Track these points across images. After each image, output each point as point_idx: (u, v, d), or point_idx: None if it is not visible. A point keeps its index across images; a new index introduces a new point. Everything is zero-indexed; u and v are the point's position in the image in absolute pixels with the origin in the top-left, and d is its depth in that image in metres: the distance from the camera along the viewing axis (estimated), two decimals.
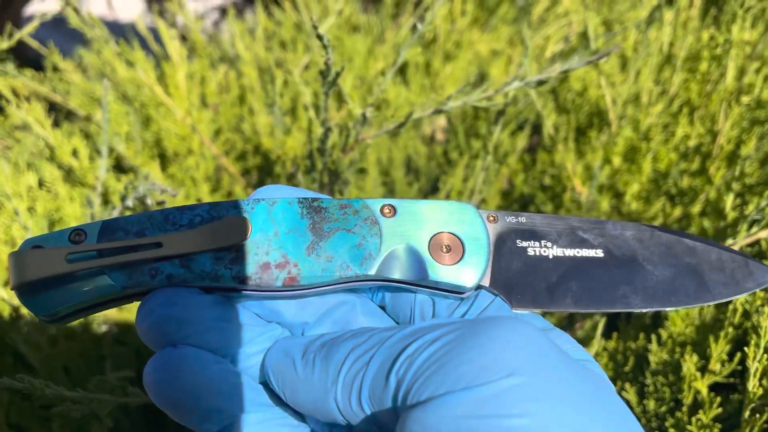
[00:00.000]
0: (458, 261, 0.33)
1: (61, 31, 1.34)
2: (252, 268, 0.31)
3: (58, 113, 1.09)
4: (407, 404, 0.25)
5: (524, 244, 0.35)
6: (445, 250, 0.33)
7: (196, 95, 1.02)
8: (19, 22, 2.25)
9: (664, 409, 0.67)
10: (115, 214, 0.68)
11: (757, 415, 0.54)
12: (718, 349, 0.62)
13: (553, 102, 1.14)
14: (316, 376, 0.29)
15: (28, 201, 0.90)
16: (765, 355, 0.53)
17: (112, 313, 0.92)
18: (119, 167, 1.01)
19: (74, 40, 1.46)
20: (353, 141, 0.72)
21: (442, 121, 1.35)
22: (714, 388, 0.66)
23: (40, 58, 1.21)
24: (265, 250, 0.32)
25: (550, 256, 0.35)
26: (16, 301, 0.71)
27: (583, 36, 1.21)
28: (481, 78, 1.44)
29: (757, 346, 0.53)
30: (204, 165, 1.03)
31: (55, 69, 1.15)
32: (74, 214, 0.96)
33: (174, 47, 1.06)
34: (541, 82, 0.57)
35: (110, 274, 0.31)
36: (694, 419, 0.60)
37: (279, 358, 0.31)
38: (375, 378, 0.27)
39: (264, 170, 1.02)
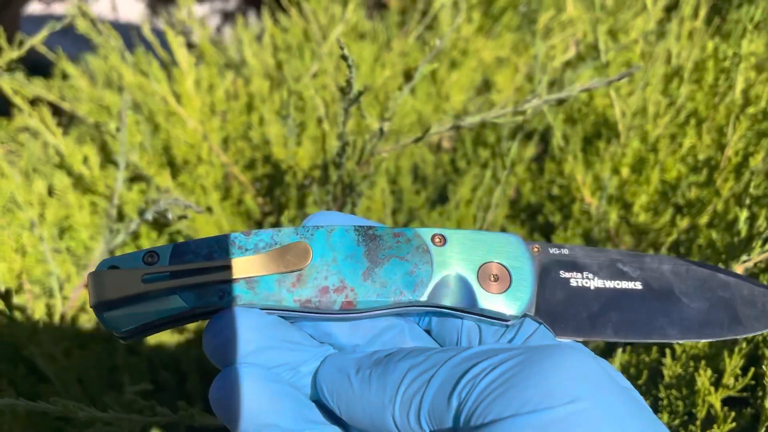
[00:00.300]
0: (505, 290, 0.34)
1: (67, 36, 1.34)
2: (312, 291, 0.33)
3: (61, 118, 1.09)
4: (470, 425, 0.26)
5: (567, 275, 0.36)
6: (492, 279, 0.34)
7: (205, 103, 1.02)
8: (19, 22, 2.24)
9: (677, 422, 0.67)
10: (133, 227, 0.68)
11: None
12: (732, 363, 0.63)
13: (561, 112, 1.15)
14: (373, 392, 0.31)
15: (38, 209, 0.90)
16: None
17: None
18: (130, 176, 1.02)
19: (79, 45, 1.46)
20: (369, 155, 0.73)
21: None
22: (727, 402, 0.67)
23: (47, 62, 1.21)
24: (324, 275, 0.34)
25: (592, 287, 0.36)
26: (37, 314, 0.71)
27: (591, 47, 1.22)
28: (486, 85, 1.45)
29: None
30: (213, 173, 1.03)
31: (64, 76, 1.15)
32: (84, 221, 0.97)
33: (183, 55, 1.06)
34: (561, 101, 0.57)
35: (181, 295, 0.32)
36: None
37: (332, 373, 0.33)
38: (435, 397, 0.28)
39: (274, 179, 1.02)
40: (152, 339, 0.88)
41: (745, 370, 0.65)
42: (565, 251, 0.37)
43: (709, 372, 0.64)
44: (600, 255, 0.37)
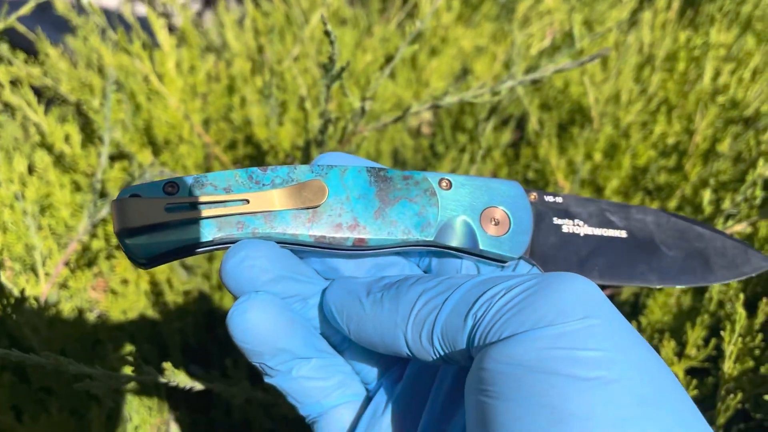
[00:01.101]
0: (504, 234, 0.37)
1: (46, 18, 1.33)
2: (326, 228, 0.35)
3: (39, 99, 1.09)
4: (486, 342, 0.29)
5: (559, 221, 0.39)
6: (493, 223, 0.37)
7: (187, 83, 1.03)
8: None
9: None
10: None
11: (731, 395, 0.58)
12: (695, 335, 0.66)
13: (537, 98, 1.17)
14: (385, 313, 0.33)
15: (19, 187, 0.91)
16: (740, 339, 0.57)
17: (103, 302, 0.93)
18: (111, 154, 1.02)
19: (59, 28, 1.45)
20: (350, 133, 0.74)
21: (427, 114, 1.38)
22: (690, 372, 0.70)
23: (26, 45, 1.20)
24: (338, 213, 0.35)
25: (582, 234, 0.39)
26: (18, 290, 0.72)
27: (567, 35, 1.24)
28: (465, 73, 1.47)
29: (733, 330, 0.57)
30: (194, 153, 1.04)
31: (44, 56, 1.14)
32: (64, 200, 0.97)
33: (164, 36, 1.07)
34: (534, 81, 0.60)
35: (202, 225, 0.34)
36: None
37: (341, 295, 0.35)
38: (449, 318, 0.31)
39: (256, 159, 1.03)
40: (133, 312, 0.89)
41: (707, 341, 0.68)
42: (559, 199, 0.39)
43: (673, 343, 0.67)
44: (590, 204, 0.40)
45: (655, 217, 0.40)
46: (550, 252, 0.38)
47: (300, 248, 0.36)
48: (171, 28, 1.36)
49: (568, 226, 0.39)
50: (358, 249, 0.36)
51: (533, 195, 0.39)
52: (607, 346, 0.26)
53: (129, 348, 0.77)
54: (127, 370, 0.53)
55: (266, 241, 0.35)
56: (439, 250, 0.37)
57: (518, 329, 0.28)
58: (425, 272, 0.39)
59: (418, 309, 0.32)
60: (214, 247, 0.35)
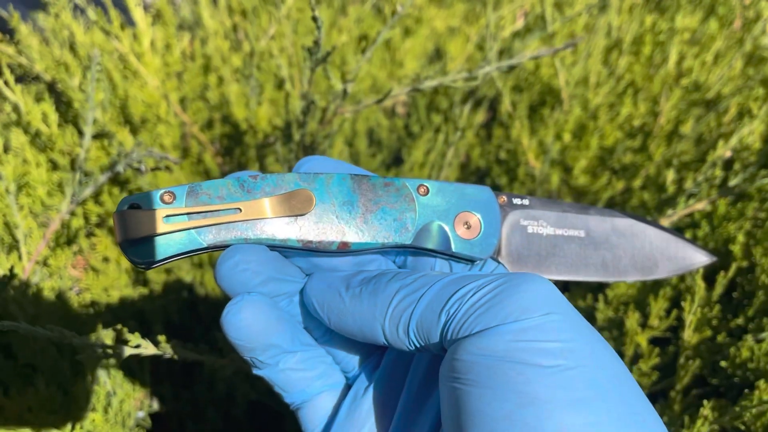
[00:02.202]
0: (476, 237, 0.40)
1: None
2: (313, 234, 0.38)
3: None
4: (458, 337, 0.32)
5: (525, 222, 0.43)
6: (466, 226, 0.40)
7: (165, 62, 1.03)
8: None
9: None
10: (103, 179, 0.70)
11: (690, 362, 0.62)
12: (657, 306, 0.71)
13: (510, 80, 1.20)
14: (364, 307, 0.36)
15: None
16: (699, 309, 0.61)
17: (83, 279, 0.94)
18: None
19: (25, 4, 1.42)
20: (332, 114, 0.76)
21: (402, 95, 1.40)
22: (653, 341, 0.75)
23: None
24: (325, 219, 0.38)
25: (544, 234, 0.43)
26: (3, 264, 0.73)
27: (539, 17, 1.27)
28: (438, 54, 1.49)
29: (692, 301, 0.61)
30: (172, 132, 1.04)
31: (18, 34, 1.13)
32: (41, 179, 0.97)
33: (139, 13, 1.06)
34: (511, 68, 0.62)
35: (199, 233, 0.36)
36: (635, 368, 0.68)
37: (322, 289, 0.38)
38: (424, 313, 0.34)
39: (233, 139, 1.04)
40: (116, 292, 0.91)
41: (669, 312, 0.72)
42: (526, 201, 0.43)
43: (637, 315, 0.71)
44: (553, 206, 0.44)
45: (611, 217, 0.45)
46: (516, 251, 0.43)
47: (287, 251, 0.39)
48: (144, 6, 1.35)
49: (533, 226, 0.43)
50: (342, 252, 0.39)
51: (502, 198, 0.43)
52: (565, 338, 0.30)
53: (114, 325, 0.78)
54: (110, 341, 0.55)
55: (257, 245, 0.38)
56: (415, 250, 0.40)
57: (488, 325, 0.31)
58: (400, 268, 0.42)
59: (395, 304, 0.35)
60: (210, 251, 0.38)
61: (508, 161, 1.14)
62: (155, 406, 0.88)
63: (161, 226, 0.35)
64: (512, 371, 0.29)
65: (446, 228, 0.40)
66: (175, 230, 0.36)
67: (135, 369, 0.83)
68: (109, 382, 0.79)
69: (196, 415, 0.86)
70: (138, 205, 0.36)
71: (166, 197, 0.36)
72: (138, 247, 0.35)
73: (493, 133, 1.20)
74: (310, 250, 0.38)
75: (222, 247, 0.37)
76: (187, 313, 0.95)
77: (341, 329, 0.37)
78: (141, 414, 0.86)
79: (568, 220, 0.44)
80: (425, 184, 0.40)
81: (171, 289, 0.93)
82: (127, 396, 0.83)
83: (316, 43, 0.61)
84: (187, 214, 0.36)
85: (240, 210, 0.37)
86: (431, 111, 1.24)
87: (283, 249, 0.39)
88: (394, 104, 1.34)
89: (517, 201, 0.43)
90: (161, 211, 0.36)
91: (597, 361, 0.30)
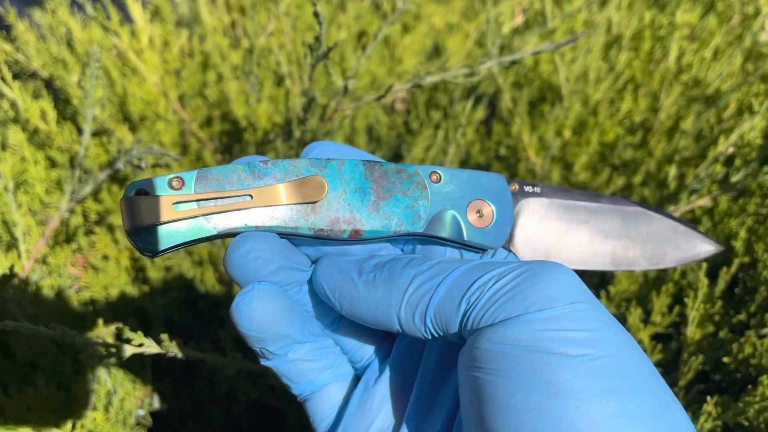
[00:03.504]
0: (488, 225, 0.39)
1: None
2: (325, 221, 0.37)
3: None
4: (479, 326, 0.31)
5: (537, 211, 0.42)
6: (478, 215, 0.39)
7: (164, 59, 1.03)
8: None
9: None
10: (103, 176, 0.70)
11: (693, 358, 0.62)
12: (660, 302, 0.71)
13: (510, 75, 1.20)
14: (378, 293, 0.35)
15: None
16: (702, 305, 0.61)
17: (83, 278, 0.94)
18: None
19: (21, 1, 1.41)
20: (332, 111, 0.76)
21: (401, 91, 1.39)
22: (654, 337, 0.75)
23: None
24: (336, 207, 0.37)
25: (555, 223, 0.42)
26: (2, 263, 0.72)
27: (538, 13, 1.27)
28: (437, 51, 1.49)
29: (696, 297, 0.61)
30: (171, 130, 1.04)
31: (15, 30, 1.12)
32: (39, 176, 0.97)
33: (137, 10, 1.06)
34: (513, 62, 0.62)
35: (209, 220, 0.35)
36: None
37: (333, 274, 0.37)
38: (442, 301, 0.33)
39: (233, 136, 1.04)
40: (116, 290, 0.90)
41: (671, 308, 0.72)
42: (537, 189, 0.43)
43: (639, 311, 0.71)
44: (565, 194, 0.43)
45: (621, 205, 0.44)
46: (527, 239, 0.42)
47: (296, 238, 0.38)
48: (143, 3, 1.34)
49: (544, 215, 0.42)
50: (354, 241, 0.38)
51: (514, 186, 0.42)
52: (592, 327, 0.29)
53: (115, 323, 0.78)
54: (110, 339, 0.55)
55: (267, 232, 0.36)
56: (425, 239, 0.39)
57: (512, 313, 0.30)
58: None
59: (411, 291, 0.34)
60: (220, 238, 0.37)
61: (508, 157, 1.14)
62: (156, 404, 0.87)
63: (170, 213, 0.34)
64: (539, 361, 0.28)
65: (459, 217, 0.39)
66: (184, 217, 0.34)
67: (136, 367, 0.82)
68: (109, 380, 0.79)
69: (197, 413, 0.85)
70: (145, 190, 0.34)
71: (175, 183, 0.35)
72: (146, 234, 0.34)
73: (492, 129, 1.20)
74: (321, 238, 0.37)
75: (231, 234, 0.36)
76: (188, 311, 0.95)
77: (353, 315, 0.37)
78: (141, 412, 0.85)
79: (579, 209, 0.43)
80: (437, 171, 0.39)
81: (171, 287, 0.92)
82: (128, 394, 0.83)
83: (318, 39, 0.61)
84: (197, 200, 0.35)
85: (251, 197, 0.35)
86: (430, 107, 1.24)
87: (293, 237, 0.37)
88: (393, 101, 1.34)
89: (528, 189, 0.43)
90: (170, 198, 0.34)
91: (624, 351, 0.29)
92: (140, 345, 0.49)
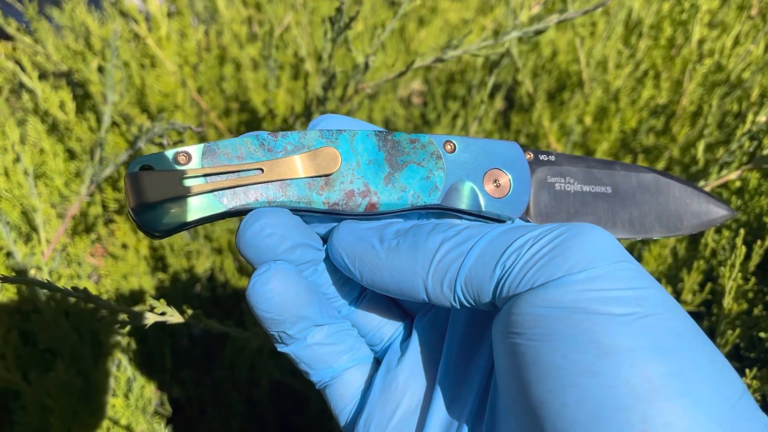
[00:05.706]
0: (506, 195, 0.38)
1: None
2: (339, 195, 0.35)
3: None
4: (518, 290, 0.30)
5: (553, 180, 0.41)
6: (495, 185, 0.38)
7: (184, 49, 1.03)
8: None
9: None
10: (124, 157, 0.69)
11: (730, 331, 0.61)
12: (691, 279, 0.69)
13: (529, 61, 1.19)
14: (403, 260, 0.33)
15: (13, 156, 0.90)
16: (739, 274, 0.59)
17: (102, 267, 0.93)
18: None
19: (42, 3, 1.43)
20: (353, 90, 0.75)
21: (417, 84, 1.39)
22: None
23: (17, 14, 1.18)
24: (350, 179, 0.35)
25: (572, 191, 0.41)
26: (21, 251, 0.72)
27: (555, 3, 1.26)
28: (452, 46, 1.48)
29: (733, 266, 0.59)
30: (189, 121, 1.04)
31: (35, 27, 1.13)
32: (58, 169, 0.97)
33: (154, 4, 1.06)
34: (538, 32, 0.61)
35: (218, 196, 0.33)
36: None
37: (352, 242, 0.35)
38: (473, 267, 0.32)
39: (250, 126, 1.04)
40: (135, 279, 0.90)
41: (702, 286, 0.71)
42: (552, 158, 0.41)
43: (669, 289, 0.70)
44: (579, 162, 0.42)
45: (636, 172, 0.43)
46: (545, 209, 0.40)
47: (310, 215, 0.36)
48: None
49: (560, 183, 0.41)
50: (371, 215, 0.36)
51: (529, 154, 0.40)
52: (637, 285, 0.28)
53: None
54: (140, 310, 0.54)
55: (280, 208, 0.34)
56: (441, 211, 0.38)
57: (552, 276, 0.29)
58: None
59: (439, 258, 0.32)
60: (230, 216, 0.35)
61: (529, 146, 1.13)
62: (175, 392, 0.87)
63: (178, 189, 0.32)
64: (586, 322, 0.27)
65: (475, 187, 0.37)
66: (193, 193, 0.32)
67: (155, 354, 0.82)
68: (129, 367, 0.78)
69: (216, 400, 0.84)
70: (150, 166, 0.32)
71: (181, 158, 0.33)
72: (152, 213, 0.32)
73: (510, 120, 1.19)
74: (335, 213, 0.35)
75: (243, 211, 0.34)
76: (207, 299, 0.94)
77: (375, 285, 0.35)
78: (160, 401, 0.84)
79: (594, 176, 0.42)
80: (452, 140, 0.37)
81: (190, 276, 0.92)
82: (148, 382, 0.82)
83: (339, 10, 0.60)
84: (205, 175, 0.33)
85: (262, 170, 0.33)
86: (447, 99, 1.23)
87: (305, 213, 0.35)
88: (409, 94, 1.33)
89: (543, 157, 0.41)
90: (177, 173, 0.32)
91: (670, 310, 0.28)
92: (162, 314, 0.48)
